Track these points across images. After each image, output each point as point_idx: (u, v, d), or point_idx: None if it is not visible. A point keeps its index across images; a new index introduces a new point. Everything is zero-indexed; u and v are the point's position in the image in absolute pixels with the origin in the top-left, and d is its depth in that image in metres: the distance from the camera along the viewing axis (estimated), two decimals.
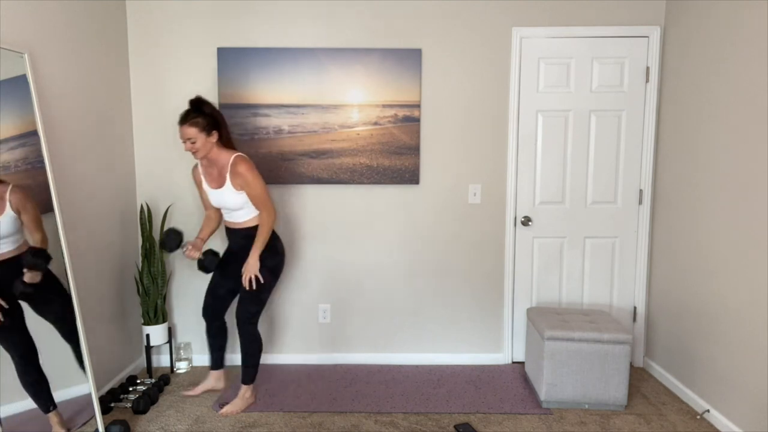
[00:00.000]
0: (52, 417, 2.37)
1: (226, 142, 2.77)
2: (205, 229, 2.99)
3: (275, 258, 2.86)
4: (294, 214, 3.43)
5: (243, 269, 2.78)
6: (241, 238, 2.85)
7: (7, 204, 2.39)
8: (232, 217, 2.83)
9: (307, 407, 2.92)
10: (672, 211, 3.18)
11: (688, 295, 3.00)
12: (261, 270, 2.80)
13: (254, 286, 2.76)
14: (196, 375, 3.36)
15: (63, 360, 2.40)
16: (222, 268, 2.96)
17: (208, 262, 2.87)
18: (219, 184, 2.76)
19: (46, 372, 2.30)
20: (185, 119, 2.64)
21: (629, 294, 3.48)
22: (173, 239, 2.85)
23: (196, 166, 2.87)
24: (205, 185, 2.82)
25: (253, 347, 2.86)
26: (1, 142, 2.16)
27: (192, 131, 2.64)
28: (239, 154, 2.73)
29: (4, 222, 2.34)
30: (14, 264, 2.34)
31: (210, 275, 3.21)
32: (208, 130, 2.67)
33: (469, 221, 3.44)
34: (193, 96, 3.28)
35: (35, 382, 2.28)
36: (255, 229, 2.82)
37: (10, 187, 2.28)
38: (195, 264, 3.44)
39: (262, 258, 2.80)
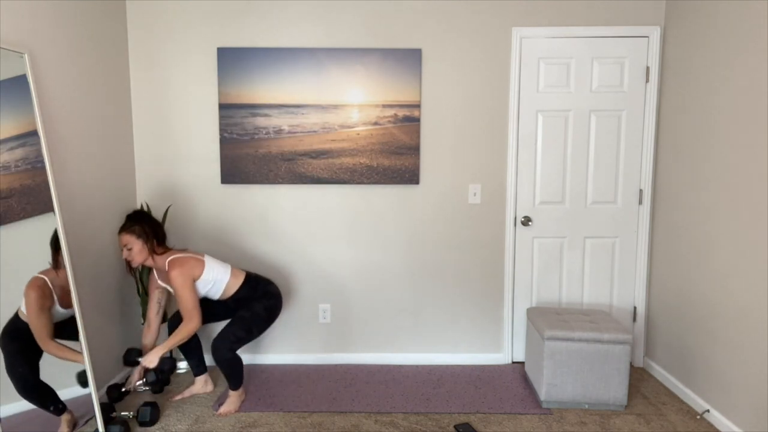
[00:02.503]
0: (63, 417, 2.39)
1: (164, 247, 2.84)
2: (148, 339, 2.98)
3: (270, 300, 2.93)
4: (294, 214, 3.42)
5: (145, 358, 2.73)
6: (233, 302, 2.94)
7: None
8: (210, 296, 2.92)
9: (307, 407, 2.92)
10: (672, 211, 3.18)
11: (688, 295, 3.00)
12: (257, 307, 2.87)
13: (143, 383, 2.79)
14: None
15: (63, 360, 2.40)
16: (215, 306, 3.03)
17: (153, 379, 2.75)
18: (169, 284, 2.92)
19: (48, 374, 2.30)
20: (122, 228, 2.76)
21: (629, 294, 3.48)
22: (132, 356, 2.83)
23: (151, 271, 3.00)
24: (162, 284, 2.96)
25: (235, 369, 2.85)
26: (1, 142, 2.16)
27: (127, 238, 2.74)
28: (174, 257, 2.78)
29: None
30: None
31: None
32: (144, 238, 2.76)
33: (469, 221, 3.44)
34: (193, 96, 3.32)
35: (38, 396, 2.28)
36: (240, 292, 2.89)
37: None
38: None
39: (259, 299, 2.90)
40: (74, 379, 2.44)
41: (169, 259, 2.77)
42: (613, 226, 3.43)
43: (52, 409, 2.32)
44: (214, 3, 3.27)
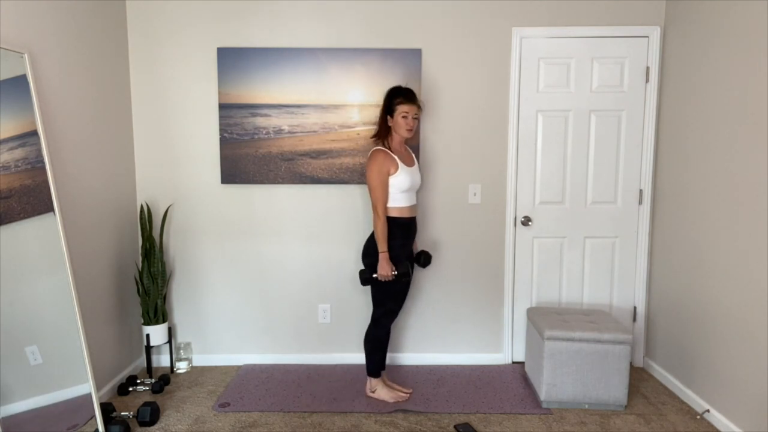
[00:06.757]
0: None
1: None
2: None
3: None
4: (294, 214, 3.42)
5: (379, 272, 2.83)
6: (416, 224, 3.01)
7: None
8: (416, 199, 2.99)
9: (307, 407, 2.92)
10: (672, 211, 3.18)
11: (688, 295, 3.00)
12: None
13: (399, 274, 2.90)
14: (196, 375, 3.36)
15: (63, 359, 2.40)
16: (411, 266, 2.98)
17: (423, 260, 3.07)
18: (412, 162, 2.98)
19: (49, 365, 2.30)
20: (414, 98, 2.84)
21: (629, 294, 3.48)
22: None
23: (385, 153, 2.85)
24: (403, 168, 2.86)
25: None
26: (1, 142, 2.16)
27: (417, 108, 2.87)
28: None
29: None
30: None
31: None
32: None
33: (469, 221, 3.44)
34: (193, 96, 3.32)
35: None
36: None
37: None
38: (193, 264, 3.44)
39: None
40: (74, 379, 2.43)
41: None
42: (613, 226, 3.43)
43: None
44: (214, 3, 3.27)
